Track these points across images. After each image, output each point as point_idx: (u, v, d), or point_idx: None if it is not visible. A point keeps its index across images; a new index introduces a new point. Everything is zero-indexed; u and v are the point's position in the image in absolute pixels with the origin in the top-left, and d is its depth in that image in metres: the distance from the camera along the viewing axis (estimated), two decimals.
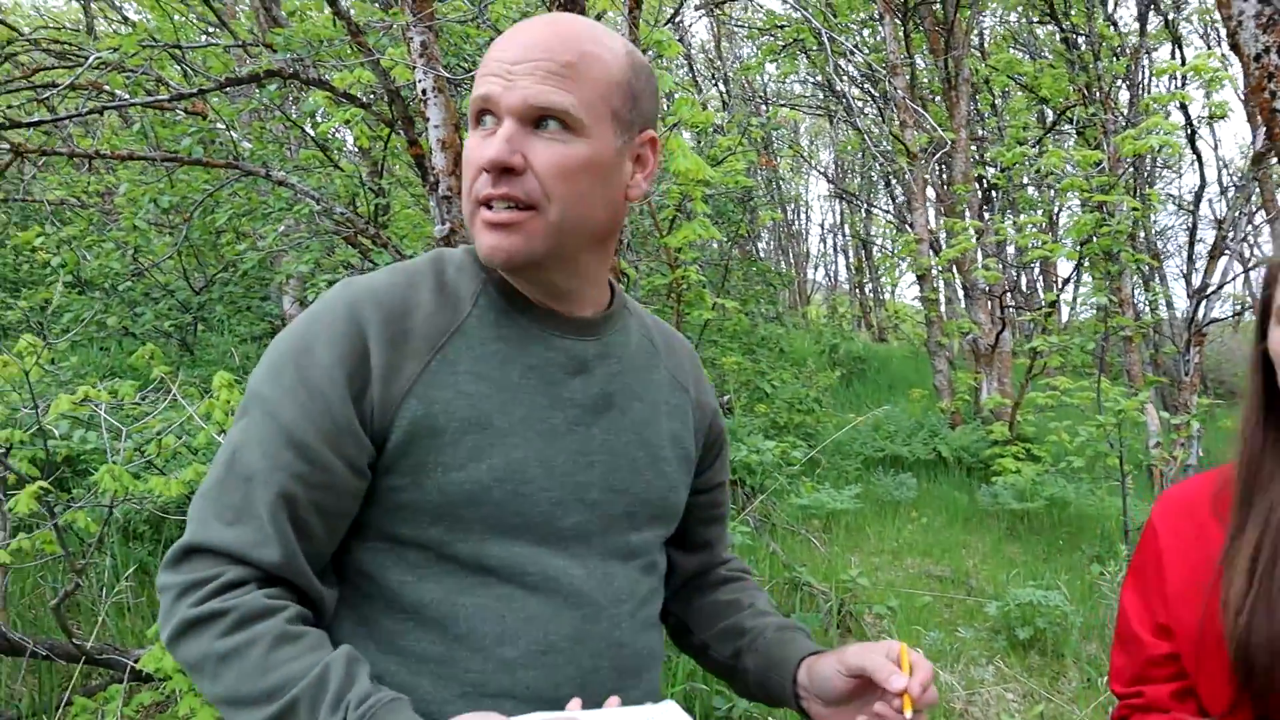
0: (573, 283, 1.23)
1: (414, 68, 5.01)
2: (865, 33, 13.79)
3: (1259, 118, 3.25)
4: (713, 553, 1.53)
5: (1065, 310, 18.60)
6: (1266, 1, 2.76)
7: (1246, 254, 11.40)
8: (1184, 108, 11.58)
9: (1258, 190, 12.14)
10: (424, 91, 5.03)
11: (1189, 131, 11.90)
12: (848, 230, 24.16)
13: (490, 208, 1.12)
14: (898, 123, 10.88)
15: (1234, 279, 9.75)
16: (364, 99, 6.08)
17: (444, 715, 1.09)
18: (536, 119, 1.11)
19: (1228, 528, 1.34)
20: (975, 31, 14.61)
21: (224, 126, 7.20)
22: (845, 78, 14.35)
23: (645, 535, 1.30)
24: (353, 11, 6.73)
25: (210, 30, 9.29)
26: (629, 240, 8.13)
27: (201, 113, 7.05)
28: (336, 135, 8.65)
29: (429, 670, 1.15)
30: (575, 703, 1.11)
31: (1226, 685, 1.29)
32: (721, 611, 1.47)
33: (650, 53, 5.47)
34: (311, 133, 7.52)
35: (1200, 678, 1.35)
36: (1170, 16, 12.83)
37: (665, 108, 5.06)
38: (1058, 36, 13.42)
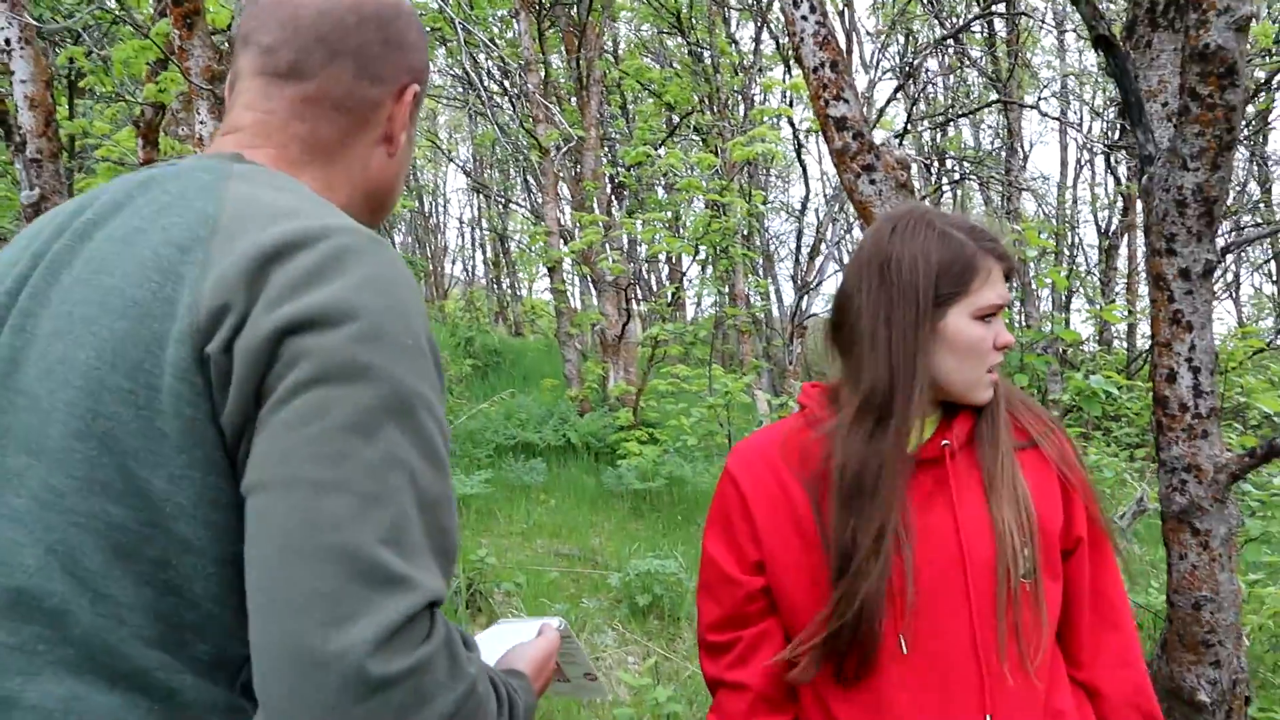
0: None
1: None
2: (502, 28, 13.96)
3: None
4: None
5: (691, 307, 19.80)
6: (822, 23, 3.07)
7: (840, 256, 12.64)
8: (791, 122, 12.66)
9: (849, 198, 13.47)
10: (8, 41, 4.57)
11: (796, 145, 13.01)
12: (486, 225, 24.30)
13: None
14: (531, 118, 11.10)
15: (831, 276, 10.79)
16: None
17: None
18: None
19: (803, 478, 1.49)
20: (609, 36, 15.19)
21: None
22: (484, 71, 14.45)
23: None
24: None
25: None
26: None
27: None
28: None
29: None
30: None
31: (812, 600, 1.46)
32: None
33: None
34: None
35: (788, 595, 1.51)
36: (781, 40, 13.95)
37: None
38: (685, 49, 14.25)
